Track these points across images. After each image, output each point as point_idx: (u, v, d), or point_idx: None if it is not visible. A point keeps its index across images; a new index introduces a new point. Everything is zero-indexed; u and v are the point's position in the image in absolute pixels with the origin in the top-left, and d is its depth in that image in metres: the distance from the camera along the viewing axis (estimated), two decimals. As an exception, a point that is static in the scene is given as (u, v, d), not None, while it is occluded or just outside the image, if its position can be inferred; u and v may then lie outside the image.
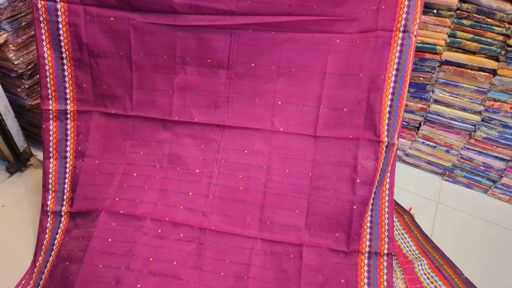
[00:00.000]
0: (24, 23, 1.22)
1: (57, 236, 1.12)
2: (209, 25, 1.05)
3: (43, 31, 1.06)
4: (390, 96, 1.02)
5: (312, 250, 1.02)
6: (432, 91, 1.37)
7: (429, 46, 1.27)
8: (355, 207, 1.04)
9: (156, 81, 1.12)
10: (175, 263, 1.00)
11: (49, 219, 1.15)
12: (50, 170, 1.15)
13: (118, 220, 1.05)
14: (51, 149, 1.15)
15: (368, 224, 1.06)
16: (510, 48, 1.17)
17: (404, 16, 0.98)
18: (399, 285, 1.12)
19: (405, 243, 1.30)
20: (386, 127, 1.03)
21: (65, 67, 1.11)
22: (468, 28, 1.21)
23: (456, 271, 1.20)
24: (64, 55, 1.10)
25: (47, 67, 1.10)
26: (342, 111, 1.06)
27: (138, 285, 0.96)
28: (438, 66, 1.31)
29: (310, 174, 1.07)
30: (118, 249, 1.00)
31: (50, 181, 1.15)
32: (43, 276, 1.07)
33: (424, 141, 1.51)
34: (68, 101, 1.14)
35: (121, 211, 1.06)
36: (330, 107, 1.07)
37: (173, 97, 1.12)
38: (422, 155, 1.56)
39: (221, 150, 1.10)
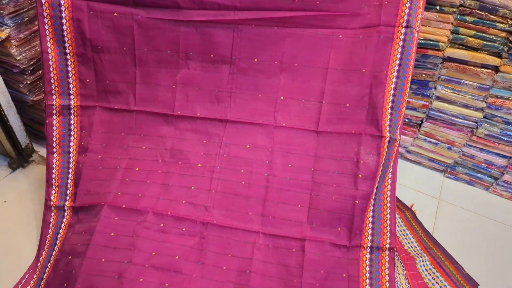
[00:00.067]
0: (26, 19, 1.22)
1: (61, 230, 1.13)
2: (212, 20, 1.05)
3: (46, 26, 1.07)
4: (392, 92, 1.02)
5: (314, 244, 1.02)
6: (435, 88, 1.37)
7: (431, 42, 1.27)
8: (357, 202, 1.04)
9: (159, 76, 1.12)
10: (177, 257, 1.00)
11: (52, 213, 1.15)
12: (54, 165, 1.16)
13: (120, 214, 1.06)
14: (54, 144, 1.16)
15: (370, 219, 1.06)
16: (512, 45, 1.17)
17: (406, 11, 0.98)
18: (401, 281, 1.13)
19: (406, 240, 1.30)
20: (388, 122, 1.03)
21: (69, 62, 1.11)
22: (471, 25, 1.21)
23: (457, 267, 1.20)
24: (67, 51, 1.10)
25: (50, 63, 1.10)
26: (344, 106, 1.06)
27: (141, 279, 0.96)
28: (440, 63, 1.31)
29: (312, 169, 1.07)
30: (121, 243, 1.00)
31: (53, 176, 1.15)
32: (47, 270, 1.08)
33: (426, 138, 1.51)
34: (72, 97, 1.14)
35: (124, 206, 1.06)
36: (333, 103, 1.07)
37: (176, 92, 1.12)
38: (424, 152, 1.56)
39: (223, 145, 1.11)
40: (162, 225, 1.04)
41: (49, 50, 1.09)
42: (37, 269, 1.11)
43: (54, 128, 1.15)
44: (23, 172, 1.48)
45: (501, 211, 1.44)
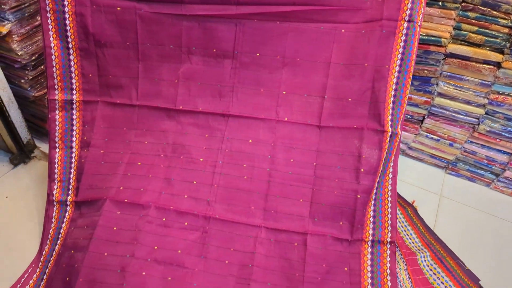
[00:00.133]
0: (27, 14, 1.22)
1: (63, 225, 1.13)
2: (215, 15, 1.05)
3: (49, 21, 1.07)
4: (394, 86, 1.02)
5: (316, 238, 1.03)
6: (437, 84, 1.37)
7: (434, 38, 1.26)
8: (359, 196, 1.04)
9: (162, 71, 1.12)
10: (179, 251, 1.01)
11: (54, 208, 1.15)
12: (56, 160, 1.16)
13: (122, 208, 1.06)
14: (57, 139, 1.16)
15: (372, 213, 1.06)
16: (515, 41, 1.17)
17: (409, 5, 0.98)
18: (402, 276, 1.13)
19: (408, 235, 1.30)
20: (390, 117, 1.03)
21: (71, 57, 1.11)
22: (473, 21, 1.21)
23: (458, 263, 1.20)
24: (70, 45, 1.10)
25: (53, 57, 1.10)
26: (346, 101, 1.06)
27: (143, 273, 0.96)
28: (442, 59, 1.31)
29: (315, 163, 1.07)
30: (123, 238, 1.01)
31: (55, 170, 1.16)
32: (49, 264, 1.08)
33: (428, 134, 1.51)
34: (74, 91, 1.15)
35: (126, 200, 1.06)
36: (335, 97, 1.07)
37: (178, 86, 1.12)
38: (425, 148, 1.56)
39: (225, 140, 1.11)
40: (164, 219, 1.04)
41: (52, 45, 1.09)
42: (40, 263, 1.11)
43: (57, 123, 1.15)
44: (25, 168, 1.48)
45: (502, 208, 1.45)
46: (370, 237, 1.05)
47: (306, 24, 1.05)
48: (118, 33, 1.09)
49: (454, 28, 1.24)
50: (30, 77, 1.31)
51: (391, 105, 1.03)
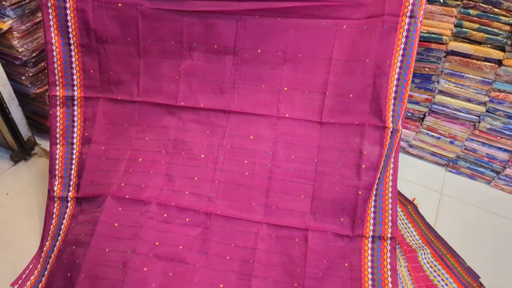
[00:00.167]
0: (28, 10, 1.22)
1: (64, 221, 1.13)
2: (216, 11, 1.05)
3: (51, 16, 1.07)
4: (395, 82, 1.02)
5: (317, 234, 1.03)
6: (438, 82, 1.37)
7: (435, 36, 1.26)
8: (360, 192, 1.04)
9: (163, 67, 1.12)
10: (181, 247, 1.01)
11: (55, 204, 1.15)
12: (57, 156, 1.16)
13: (124, 205, 1.06)
14: (58, 135, 1.16)
15: (372, 209, 1.06)
16: (516, 38, 1.17)
17: (411, 1, 0.98)
18: (403, 273, 1.13)
19: (408, 233, 1.31)
20: (391, 113, 1.03)
21: (73, 53, 1.11)
22: (475, 18, 1.20)
23: (458, 260, 1.21)
24: (71, 41, 1.10)
25: (54, 53, 1.10)
26: (348, 97, 1.06)
27: (145, 269, 0.97)
28: (444, 57, 1.31)
29: (316, 160, 1.07)
30: (124, 234, 1.01)
31: (56, 167, 1.16)
32: (50, 260, 1.08)
33: (429, 132, 1.51)
34: (75, 87, 1.15)
35: (127, 196, 1.07)
36: (336, 93, 1.07)
37: (180, 83, 1.12)
38: (426, 146, 1.56)
39: (226, 136, 1.11)
40: (165, 215, 1.04)
41: (53, 41, 1.09)
42: (41, 259, 1.11)
43: (58, 119, 1.15)
44: (25, 165, 1.48)
45: (502, 205, 1.45)
46: (371, 233, 1.05)
47: (308, 20, 1.04)
48: (120, 29, 1.09)
49: (455, 26, 1.24)
50: (30, 74, 1.31)
51: (392, 101, 1.03)
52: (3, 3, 1.15)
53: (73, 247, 1.03)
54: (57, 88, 1.13)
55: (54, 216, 1.14)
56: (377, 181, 1.06)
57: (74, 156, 1.16)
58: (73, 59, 1.12)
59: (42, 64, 1.32)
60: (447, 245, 1.26)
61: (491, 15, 1.18)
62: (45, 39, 1.08)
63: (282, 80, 1.09)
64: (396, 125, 1.04)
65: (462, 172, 1.56)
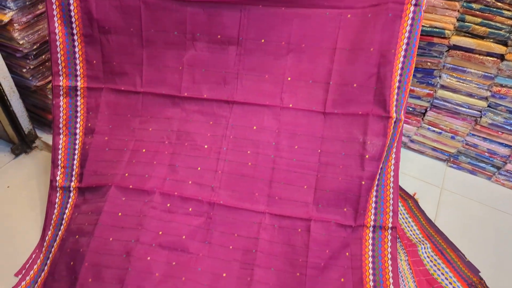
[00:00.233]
0: (29, 2, 1.21)
1: (66, 211, 1.13)
2: (219, 1, 1.05)
3: (54, 6, 1.07)
4: (399, 71, 1.01)
5: (320, 224, 1.03)
6: (439, 77, 1.37)
7: (437, 30, 1.26)
8: (363, 182, 1.04)
9: (166, 58, 1.12)
10: (184, 236, 1.01)
11: (57, 194, 1.16)
12: (60, 146, 1.16)
13: (127, 195, 1.06)
14: (61, 126, 1.16)
15: (374, 199, 1.06)
16: (518, 33, 1.17)
17: None
18: (403, 267, 1.13)
19: (409, 227, 1.31)
20: (395, 103, 1.03)
21: (76, 43, 1.11)
22: (477, 12, 1.20)
23: (459, 255, 1.21)
24: (74, 31, 1.10)
25: (58, 43, 1.10)
26: (352, 87, 1.05)
27: (148, 258, 0.97)
28: (446, 51, 1.30)
29: (319, 150, 1.07)
30: (128, 223, 1.01)
31: (59, 157, 1.16)
32: (53, 249, 1.09)
33: (430, 127, 1.51)
34: (78, 78, 1.15)
35: (131, 186, 1.07)
36: (340, 83, 1.06)
37: (183, 73, 1.12)
38: (427, 141, 1.56)
39: (229, 126, 1.11)
40: (169, 205, 1.04)
41: (57, 31, 1.09)
42: (43, 248, 1.12)
43: (61, 109, 1.15)
44: (26, 158, 1.48)
45: (502, 201, 1.45)
46: (372, 223, 1.05)
47: (311, 9, 1.04)
48: (122, 19, 1.09)
49: (458, 20, 1.24)
50: (31, 67, 1.30)
51: (396, 90, 1.02)
52: (4, -6, 1.14)
53: (76, 237, 1.04)
54: (60, 78, 1.13)
55: (56, 206, 1.14)
56: (379, 171, 1.05)
57: (76, 147, 1.16)
58: (76, 49, 1.12)
59: (43, 56, 1.32)
60: (447, 239, 1.26)
61: (494, 9, 1.18)
62: (49, 29, 1.08)
63: (286, 70, 1.08)
64: (399, 115, 1.03)
65: (463, 167, 1.56)
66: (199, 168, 1.09)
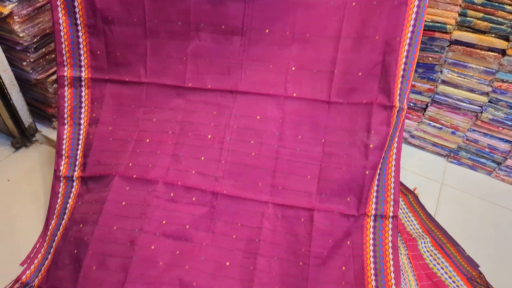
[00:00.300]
0: (29, -5, 1.20)
1: (70, 200, 1.13)
2: None
3: None
4: (404, 59, 1.01)
5: (323, 214, 1.03)
6: (441, 72, 1.37)
7: (439, 25, 1.26)
8: (367, 172, 1.04)
9: (170, 48, 1.12)
10: (187, 226, 1.01)
11: (61, 183, 1.16)
12: (64, 136, 1.16)
13: (131, 184, 1.06)
14: (65, 116, 1.16)
15: (375, 188, 1.06)
16: (520, 28, 1.17)
17: None
18: (403, 261, 1.14)
19: (409, 222, 1.31)
20: (398, 91, 1.02)
21: (80, 33, 1.11)
22: (479, 7, 1.20)
23: (458, 249, 1.22)
24: (78, 22, 1.10)
25: (62, 33, 1.10)
26: (356, 76, 1.05)
27: (152, 247, 0.97)
28: (447, 46, 1.31)
29: (323, 140, 1.07)
30: (132, 212, 1.01)
31: (63, 147, 1.16)
32: (56, 238, 1.09)
33: (430, 122, 1.51)
34: (83, 68, 1.15)
35: (134, 176, 1.07)
36: (344, 72, 1.06)
37: (187, 64, 1.12)
38: (427, 136, 1.57)
39: (233, 116, 1.10)
40: (172, 194, 1.04)
41: (61, 21, 1.09)
42: (47, 237, 1.12)
43: (66, 99, 1.15)
44: (26, 151, 1.48)
45: (502, 196, 1.46)
46: (373, 212, 1.05)
47: None
48: (125, 10, 1.08)
49: (459, 15, 1.24)
50: (32, 60, 1.29)
51: (400, 79, 1.01)
52: (4, -13, 1.14)
53: (80, 225, 1.04)
54: (65, 68, 1.13)
55: (59, 195, 1.14)
56: (381, 161, 1.05)
57: (80, 137, 1.16)
58: (80, 40, 1.12)
59: (44, 49, 1.31)
60: (447, 234, 1.27)
61: (496, 4, 1.18)
62: (53, 19, 1.08)
63: (290, 60, 1.08)
64: (402, 104, 1.03)
65: (463, 163, 1.57)
66: (202, 158, 1.09)
